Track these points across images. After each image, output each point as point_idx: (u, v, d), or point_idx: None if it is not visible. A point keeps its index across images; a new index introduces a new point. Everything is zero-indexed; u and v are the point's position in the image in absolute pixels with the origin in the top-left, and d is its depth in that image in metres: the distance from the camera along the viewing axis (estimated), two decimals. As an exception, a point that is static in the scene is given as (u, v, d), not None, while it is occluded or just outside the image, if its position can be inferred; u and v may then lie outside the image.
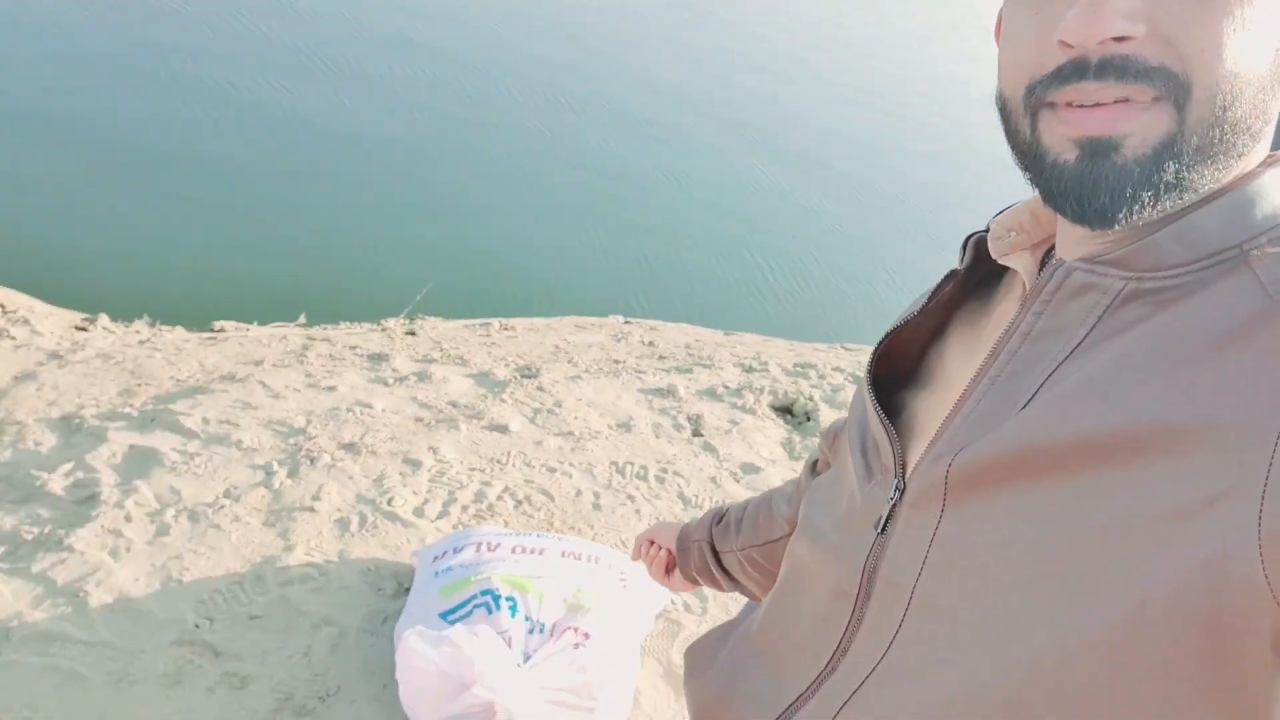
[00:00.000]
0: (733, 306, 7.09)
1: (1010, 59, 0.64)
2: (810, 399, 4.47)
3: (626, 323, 5.85)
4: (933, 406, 0.76)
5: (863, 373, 0.86)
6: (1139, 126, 0.58)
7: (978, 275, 0.80)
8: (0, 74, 7.18)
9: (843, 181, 10.58)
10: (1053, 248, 0.73)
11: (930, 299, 0.79)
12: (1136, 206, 0.59)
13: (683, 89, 11.71)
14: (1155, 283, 0.61)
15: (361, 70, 9.09)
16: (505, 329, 5.15)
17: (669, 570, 1.32)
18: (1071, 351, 0.63)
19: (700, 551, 1.24)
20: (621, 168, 8.91)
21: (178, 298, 5.55)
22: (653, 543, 1.34)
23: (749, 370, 4.86)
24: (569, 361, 4.56)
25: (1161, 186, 0.59)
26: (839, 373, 5.02)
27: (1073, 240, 0.67)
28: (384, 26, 10.36)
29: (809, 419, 4.36)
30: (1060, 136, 0.61)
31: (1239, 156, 0.61)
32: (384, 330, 4.93)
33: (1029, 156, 0.64)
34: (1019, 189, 0.70)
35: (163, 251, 5.90)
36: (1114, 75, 0.57)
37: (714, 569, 1.23)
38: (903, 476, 0.72)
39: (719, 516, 1.24)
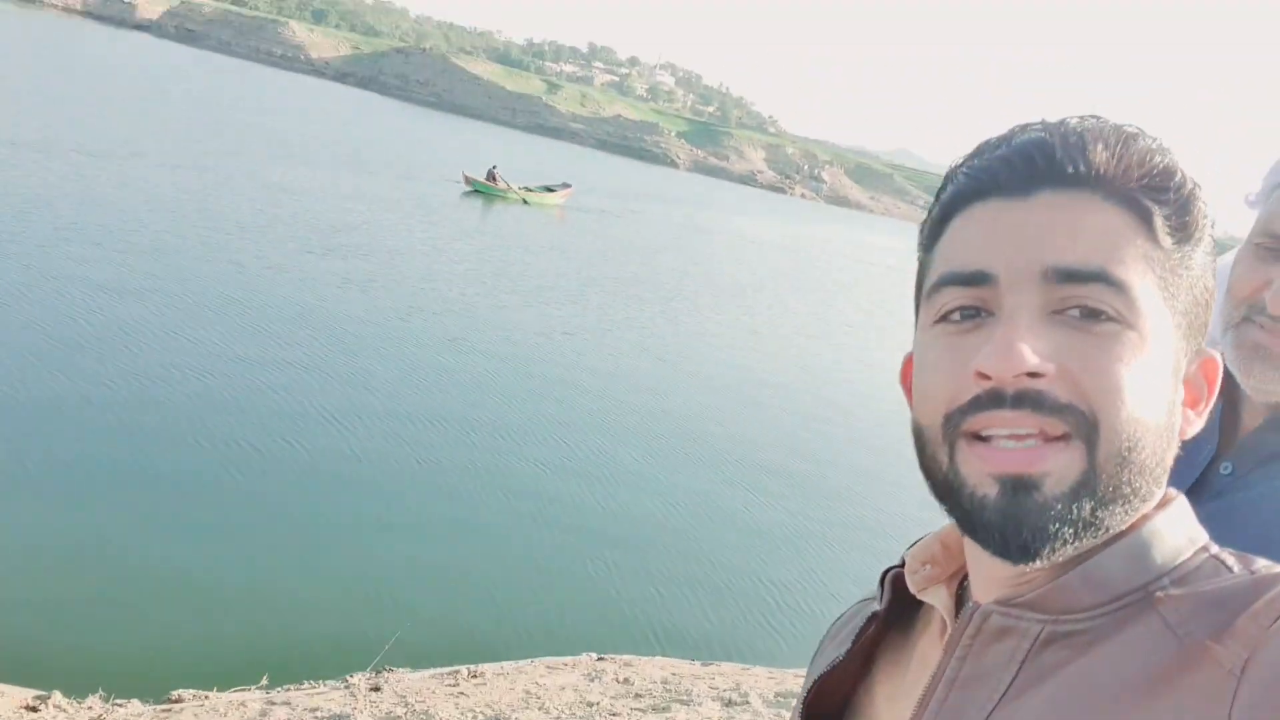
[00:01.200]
0: (709, 634, 6.95)
1: (926, 390, 0.68)
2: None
3: (600, 659, 5.68)
4: None
5: None
6: (1055, 466, 0.62)
7: (897, 608, 0.82)
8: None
9: (820, 498, 10.74)
10: (966, 577, 0.75)
11: (854, 642, 0.80)
12: (1058, 543, 0.63)
13: (651, 426, 12.11)
14: (1070, 625, 0.64)
15: (314, 408, 9.39)
16: (474, 676, 4.99)
17: None
18: (999, 699, 0.64)
19: None
20: (586, 502, 9.02)
21: (136, 665, 5.36)
22: None
23: (729, 704, 4.69)
24: (540, 709, 4.38)
25: (1080, 524, 0.63)
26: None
27: (985, 578, 0.70)
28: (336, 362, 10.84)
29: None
30: (979, 471, 0.64)
31: (1143, 500, 0.65)
32: (348, 687, 4.75)
33: (946, 487, 0.67)
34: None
35: (117, 618, 5.77)
36: (1029, 406, 0.62)
37: None
38: None
39: None
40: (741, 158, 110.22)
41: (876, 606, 0.80)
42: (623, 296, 19.97)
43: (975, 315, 0.66)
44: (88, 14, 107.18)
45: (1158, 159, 0.66)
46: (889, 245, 60.98)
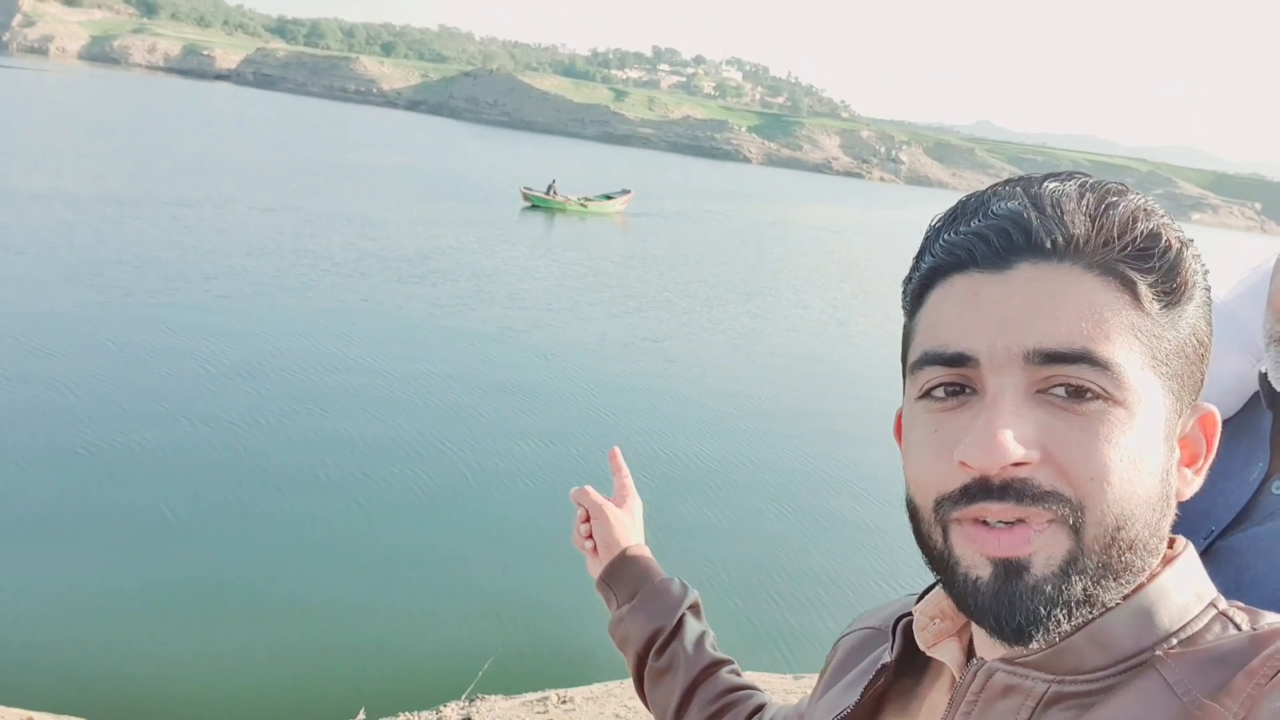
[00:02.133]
0: (802, 648, 6.77)
1: (916, 472, 0.68)
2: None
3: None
4: None
5: None
6: (1040, 546, 0.62)
7: (907, 655, 0.81)
8: None
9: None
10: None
11: (864, 693, 0.80)
12: (1051, 624, 0.63)
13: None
14: (1075, 687, 0.64)
15: (407, 434, 9.52)
16: (564, 702, 4.93)
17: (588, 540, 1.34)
18: None
19: (625, 642, 1.24)
20: (676, 514, 8.92)
21: (229, 704, 5.46)
22: (589, 519, 1.34)
23: None
24: (631, 732, 4.30)
25: (1072, 604, 0.62)
26: None
27: (990, 638, 0.69)
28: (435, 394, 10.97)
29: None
30: (972, 554, 0.64)
31: (1138, 573, 0.64)
32: (439, 718, 4.74)
33: (941, 563, 0.67)
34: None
35: (213, 656, 5.89)
36: (1014, 497, 0.62)
37: (630, 666, 1.24)
38: None
39: (659, 644, 1.21)
40: (815, 146, 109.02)
41: (888, 658, 0.80)
42: (699, 298, 19.90)
43: (959, 392, 0.65)
44: (170, 69, 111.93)
45: (1141, 224, 0.64)
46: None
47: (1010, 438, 0.61)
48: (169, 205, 21.06)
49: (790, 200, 54.16)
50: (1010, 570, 0.62)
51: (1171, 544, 0.68)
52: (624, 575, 1.28)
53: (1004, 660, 0.67)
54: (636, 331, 16.02)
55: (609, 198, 33.79)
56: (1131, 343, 0.62)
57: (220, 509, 7.77)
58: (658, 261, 24.28)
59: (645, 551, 1.32)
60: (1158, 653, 0.63)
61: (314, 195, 25.86)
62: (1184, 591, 0.66)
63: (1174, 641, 0.63)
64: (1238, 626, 0.63)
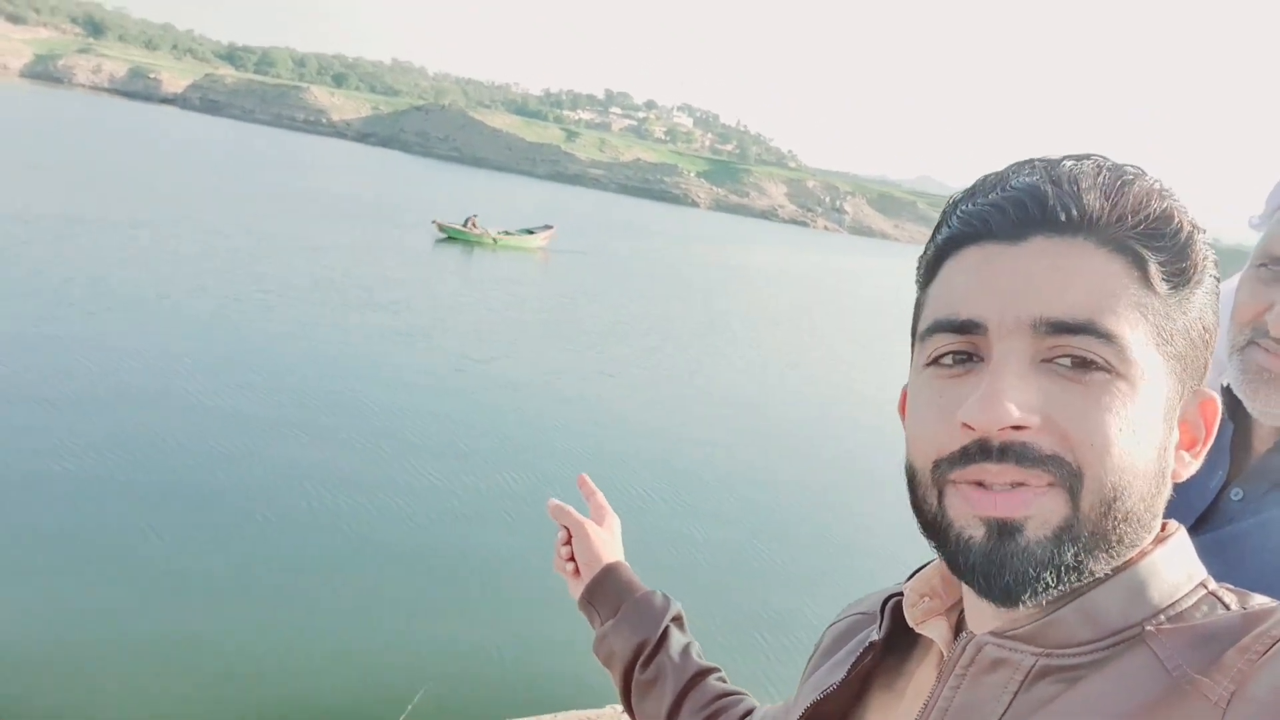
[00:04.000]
0: (744, 672, 6.74)
1: (917, 435, 0.69)
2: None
3: (624, 710, 5.52)
4: None
5: None
6: (1038, 510, 0.63)
7: (894, 633, 0.82)
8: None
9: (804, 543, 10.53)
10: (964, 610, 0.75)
11: (850, 670, 0.80)
12: (1040, 587, 0.63)
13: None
14: (1064, 659, 0.64)
15: (322, 459, 9.36)
16: (496, 733, 4.84)
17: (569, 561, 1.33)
18: None
19: (611, 657, 1.24)
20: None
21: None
22: (569, 540, 1.34)
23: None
24: (564, 764, 4.23)
25: (1062, 569, 0.63)
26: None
27: (980, 610, 0.70)
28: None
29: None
30: (966, 514, 0.65)
31: (1131, 545, 0.65)
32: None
33: (934, 527, 0.68)
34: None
35: (131, 689, 5.69)
36: (1014, 459, 0.63)
37: (617, 681, 1.24)
38: None
39: (645, 656, 1.20)
40: (762, 194, 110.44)
41: (875, 635, 0.81)
42: (609, 337, 19.85)
43: (966, 360, 0.67)
44: (115, 90, 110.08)
45: (1154, 204, 0.65)
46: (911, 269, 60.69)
47: (1013, 401, 0.62)
48: (121, 225, 20.56)
49: (735, 244, 54.70)
50: (1003, 530, 0.63)
51: (1164, 526, 0.69)
52: (606, 592, 1.28)
53: (993, 634, 0.68)
54: (546, 369, 15.82)
55: (530, 232, 32.95)
56: (1138, 319, 0.63)
57: (113, 536, 7.55)
58: (571, 300, 23.74)
59: (626, 567, 1.31)
60: (1148, 628, 0.63)
61: (248, 220, 25.40)
62: (1175, 570, 0.67)
63: (1163, 618, 0.64)
64: (1227, 606, 0.64)
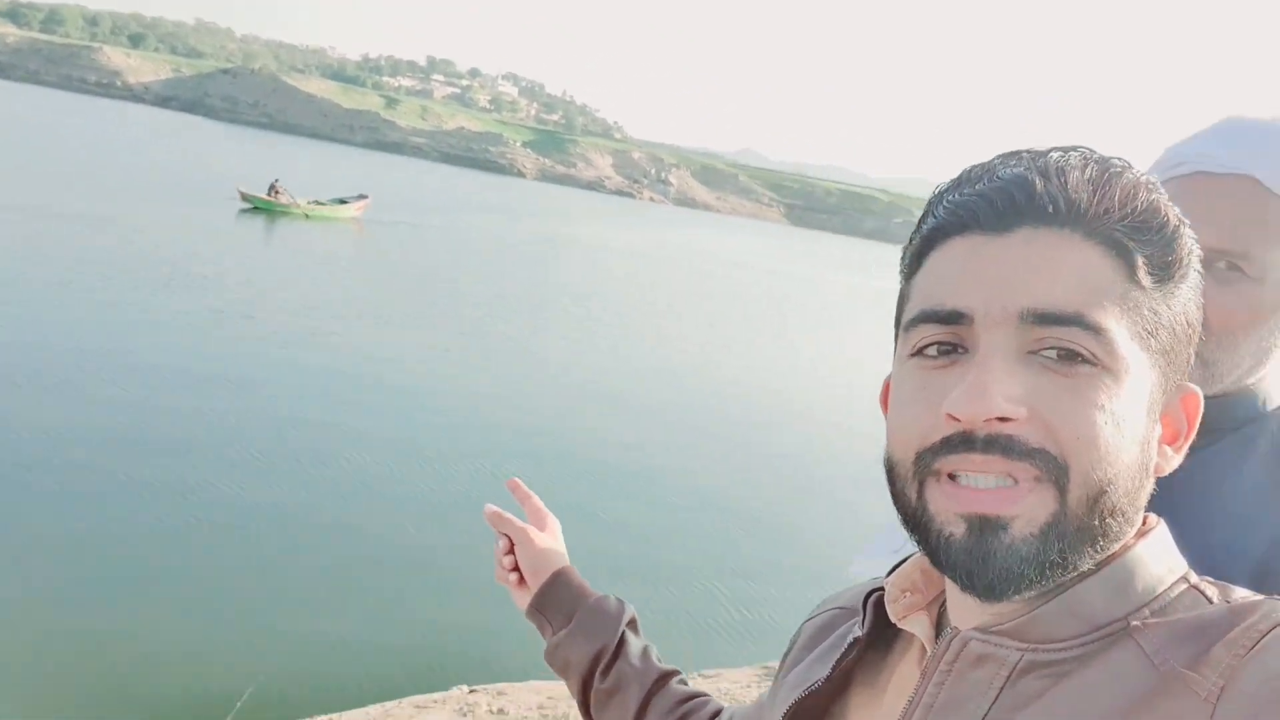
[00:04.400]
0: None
1: (899, 425, 0.68)
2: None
3: (471, 691, 5.45)
4: None
5: None
6: (1025, 509, 0.63)
7: (876, 627, 0.81)
8: None
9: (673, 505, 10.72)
10: (946, 602, 0.75)
11: (835, 667, 0.79)
12: (1024, 583, 0.63)
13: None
14: (1049, 655, 0.64)
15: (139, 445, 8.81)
16: (332, 728, 4.67)
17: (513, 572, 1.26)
18: None
19: (567, 667, 1.19)
20: (431, 532, 8.72)
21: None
22: (512, 549, 1.26)
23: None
24: (409, 753, 4.12)
25: (1047, 565, 0.63)
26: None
27: (963, 605, 0.69)
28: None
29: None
30: (947, 510, 0.65)
31: (1115, 540, 0.65)
32: (195, 755, 4.37)
33: (915, 521, 0.68)
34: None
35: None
36: (999, 451, 0.62)
37: (574, 690, 1.19)
38: None
39: (604, 665, 1.16)
40: (588, 165, 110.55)
41: (858, 632, 0.80)
42: (429, 314, 19.48)
43: (951, 351, 0.66)
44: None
45: (1141, 196, 0.65)
46: (736, 244, 62.30)
47: (999, 392, 0.62)
48: None
49: (560, 216, 54.56)
50: (986, 527, 0.63)
51: (1145, 520, 0.70)
52: (557, 599, 1.21)
53: (978, 629, 0.67)
54: (351, 349, 15.22)
55: (343, 202, 31.52)
56: (1124, 312, 0.64)
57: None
58: (382, 273, 22.84)
59: (574, 572, 1.25)
60: (1135, 623, 0.63)
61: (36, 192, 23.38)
62: (1157, 563, 0.67)
63: (1147, 612, 0.64)
64: (1209, 599, 0.64)
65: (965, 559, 0.64)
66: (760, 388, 17.41)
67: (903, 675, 0.76)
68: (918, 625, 0.74)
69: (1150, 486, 0.67)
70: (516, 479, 1.30)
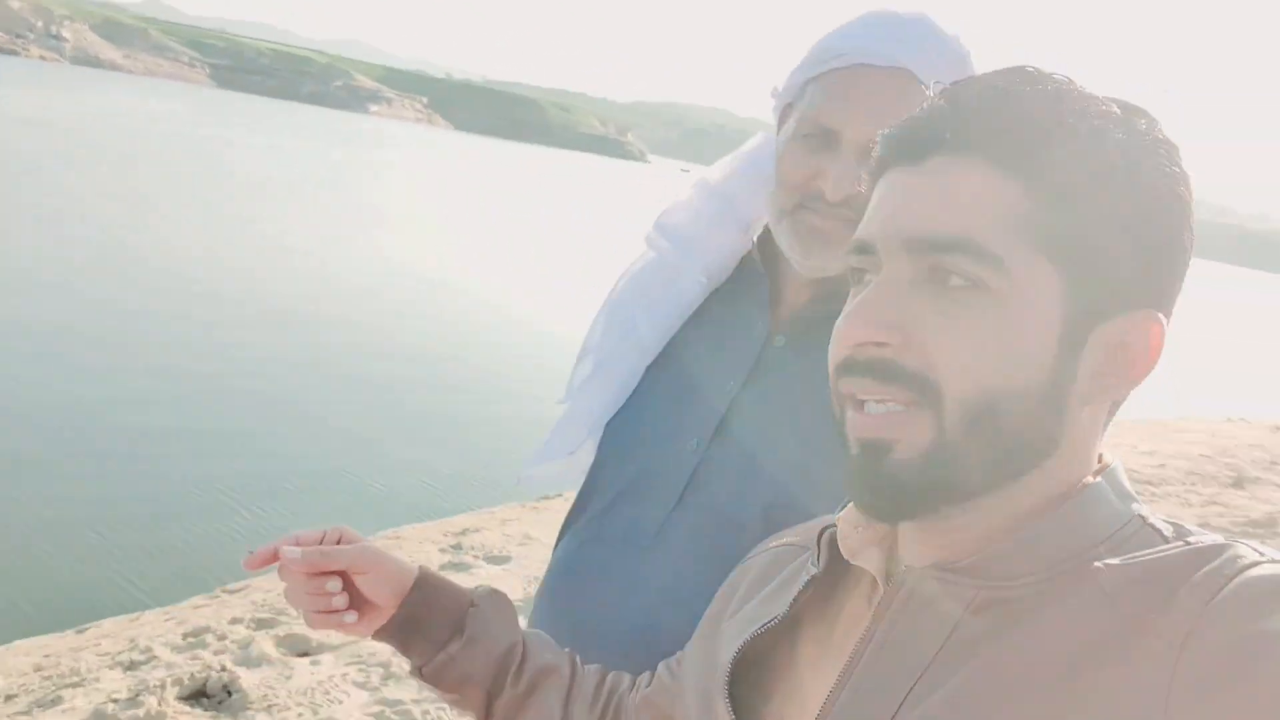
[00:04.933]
0: (75, 595, 5.87)
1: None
2: (222, 669, 3.85)
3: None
4: (789, 715, 0.76)
5: (718, 678, 0.80)
6: (906, 433, 0.64)
7: (829, 566, 0.80)
8: None
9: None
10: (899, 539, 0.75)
11: (792, 605, 0.78)
12: (913, 506, 0.66)
13: None
14: (1005, 592, 0.64)
15: None
16: None
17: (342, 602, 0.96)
18: (928, 664, 0.64)
19: (465, 681, 0.99)
20: None
21: None
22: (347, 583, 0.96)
23: (133, 666, 4.04)
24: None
25: (934, 488, 0.64)
26: (238, 624, 4.43)
27: (916, 542, 0.70)
28: None
29: (230, 693, 3.75)
30: (850, 434, 0.68)
31: (1022, 467, 0.65)
32: None
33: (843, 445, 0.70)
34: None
35: None
36: (876, 375, 0.65)
37: (474, 705, 1.01)
38: None
39: (515, 669, 1.01)
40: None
41: (815, 569, 0.79)
42: None
43: (864, 279, 0.69)
44: None
45: (1041, 115, 0.64)
46: (159, 109, 55.86)
47: (870, 318, 0.65)
48: None
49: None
50: (873, 451, 0.66)
51: (1100, 458, 0.70)
52: (431, 610, 0.99)
53: (933, 566, 0.67)
54: None
55: None
56: (1017, 232, 0.63)
57: None
58: None
59: (433, 572, 1.03)
60: (1096, 565, 0.62)
61: None
62: (1112, 501, 0.67)
63: (1102, 549, 0.64)
64: (1165, 537, 0.64)
65: (858, 479, 0.67)
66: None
67: (853, 612, 0.75)
68: (870, 562, 0.74)
69: (1078, 418, 0.66)
70: (256, 555, 0.96)
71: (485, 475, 7.69)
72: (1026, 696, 0.59)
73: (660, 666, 1.02)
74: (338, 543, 0.98)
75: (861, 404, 0.67)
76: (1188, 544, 0.62)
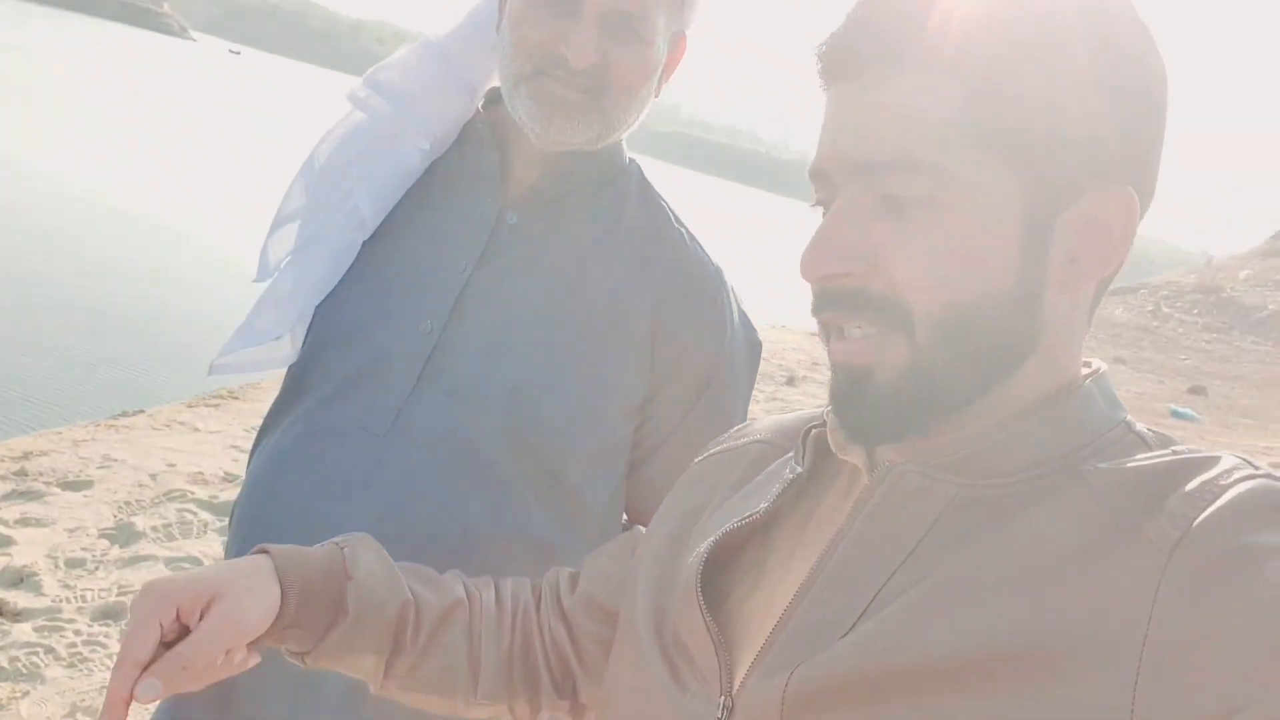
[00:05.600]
0: None
1: None
2: None
3: None
4: (756, 609, 0.73)
5: (691, 568, 0.76)
6: (882, 356, 0.64)
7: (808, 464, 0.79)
8: None
9: None
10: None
11: (775, 500, 0.76)
12: (899, 427, 0.66)
13: None
14: (987, 490, 0.63)
15: None
16: None
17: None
18: (904, 560, 0.63)
19: (359, 652, 0.87)
20: None
21: None
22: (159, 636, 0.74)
23: None
24: None
25: (918, 406, 0.65)
26: None
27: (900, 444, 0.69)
28: None
29: None
30: (833, 362, 0.68)
31: (1004, 371, 0.65)
32: None
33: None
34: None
35: None
36: (843, 306, 0.65)
37: (370, 673, 0.89)
38: (729, 692, 0.68)
39: (411, 628, 0.89)
40: None
41: (799, 469, 0.77)
42: None
43: (825, 208, 0.68)
44: None
45: (970, 17, 0.62)
46: None
47: (830, 249, 0.64)
48: None
49: None
50: (853, 377, 0.66)
51: (1089, 362, 0.70)
52: (317, 599, 0.84)
53: (917, 462, 0.66)
54: None
55: None
56: (957, 136, 0.61)
57: None
58: None
59: (282, 549, 0.85)
60: (1083, 468, 0.62)
61: None
62: (1100, 406, 0.67)
63: (1087, 452, 0.63)
64: (1149, 445, 0.64)
65: (841, 405, 0.68)
66: None
67: (830, 508, 0.74)
68: (856, 456, 0.72)
69: (1054, 310, 0.65)
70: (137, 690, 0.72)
71: (47, 394, 6.71)
72: (1007, 593, 0.58)
73: (594, 557, 0.97)
74: (175, 618, 0.76)
75: (841, 330, 0.66)
76: (1175, 453, 0.62)
